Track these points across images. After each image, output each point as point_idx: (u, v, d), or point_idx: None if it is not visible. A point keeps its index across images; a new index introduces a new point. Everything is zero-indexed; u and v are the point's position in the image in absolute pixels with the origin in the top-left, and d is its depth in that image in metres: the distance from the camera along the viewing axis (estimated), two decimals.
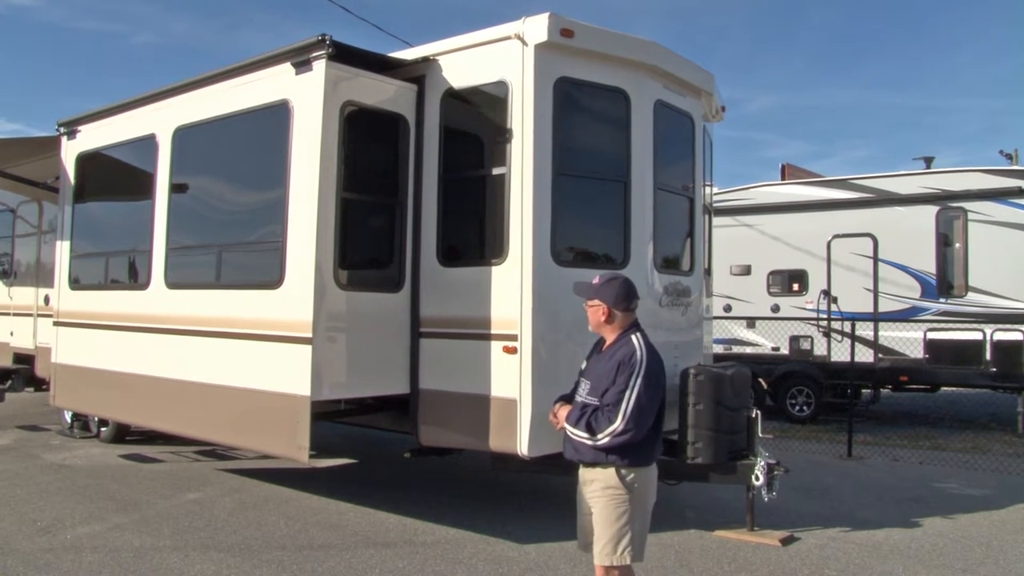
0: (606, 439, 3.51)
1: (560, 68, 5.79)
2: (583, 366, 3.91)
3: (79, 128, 8.56)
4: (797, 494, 7.40)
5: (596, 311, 3.79)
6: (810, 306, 12.91)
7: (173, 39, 57.33)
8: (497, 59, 5.85)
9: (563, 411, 3.77)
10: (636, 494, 3.60)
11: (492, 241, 5.89)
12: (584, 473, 3.73)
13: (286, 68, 5.97)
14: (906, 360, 11.85)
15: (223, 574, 5.15)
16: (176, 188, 7.20)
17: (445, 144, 6.17)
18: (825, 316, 12.67)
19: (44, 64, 55.75)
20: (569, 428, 3.67)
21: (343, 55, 5.76)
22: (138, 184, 7.67)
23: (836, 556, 5.68)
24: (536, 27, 5.67)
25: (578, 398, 3.76)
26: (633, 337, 3.70)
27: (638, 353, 3.61)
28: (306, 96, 5.80)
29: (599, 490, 3.62)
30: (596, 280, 3.84)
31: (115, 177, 8.44)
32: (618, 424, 3.49)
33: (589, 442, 3.56)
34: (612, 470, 3.58)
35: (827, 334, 12.65)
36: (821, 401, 12.70)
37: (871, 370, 12.16)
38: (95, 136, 8.36)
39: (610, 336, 3.78)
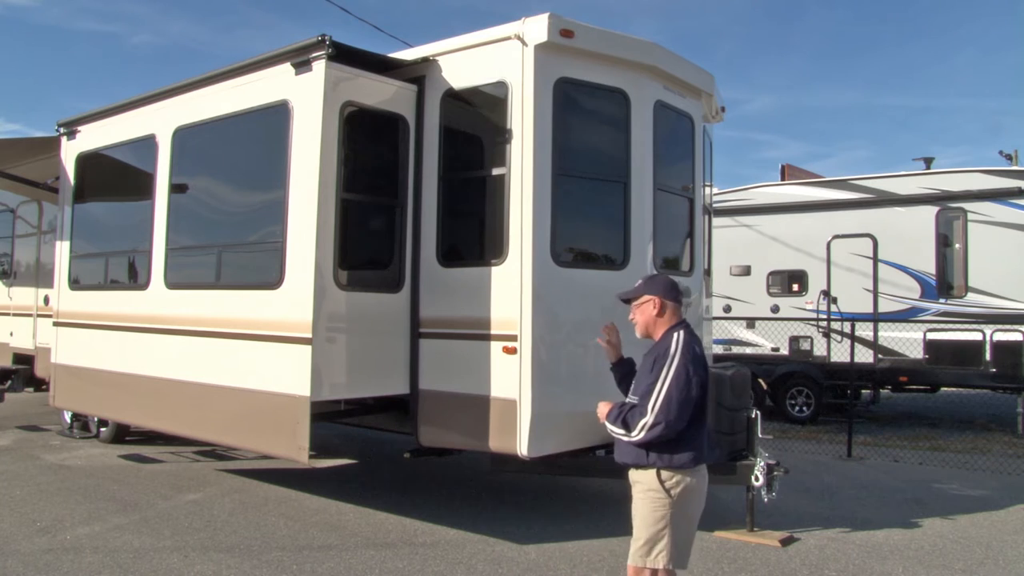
0: (640, 433, 3.49)
1: (560, 69, 5.79)
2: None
3: (79, 128, 8.56)
4: (797, 495, 7.40)
5: (647, 307, 3.77)
6: (810, 306, 12.92)
7: (171, 39, 57.41)
8: (497, 59, 5.85)
9: (603, 408, 3.77)
10: (677, 499, 3.54)
11: (492, 241, 5.89)
12: (631, 475, 3.74)
13: (286, 68, 5.97)
14: (906, 361, 11.86)
15: (223, 574, 5.15)
16: (176, 188, 7.20)
17: (445, 144, 6.17)
18: (825, 316, 12.67)
19: (43, 64, 55.78)
20: (608, 425, 3.68)
21: (343, 55, 5.76)
22: (138, 184, 7.67)
23: (836, 556, 5.68)
24: (536, 27, 5.67)
25: (629, 397, 3.78)
26: (674, 334, 3.67)
27: (673, 347, 3.59)
28: (306, 96, 5.80)
29: (642, 492, 3.63)
30: (635, 284, 3.89)
31: (115, 177, 8.44)
32: (648, 417, 3.47)
33: (626, 438, 3.57)
34: (653, 472, 3.56)
35: (827, 335, 12.65)
36: (821, 402, 12.70)
37: (871, 371, 12.16)
38: (95, 136, 8.36)
39: (658, 334, 3.76)
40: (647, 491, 3.58)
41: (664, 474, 3.54)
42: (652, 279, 3.88)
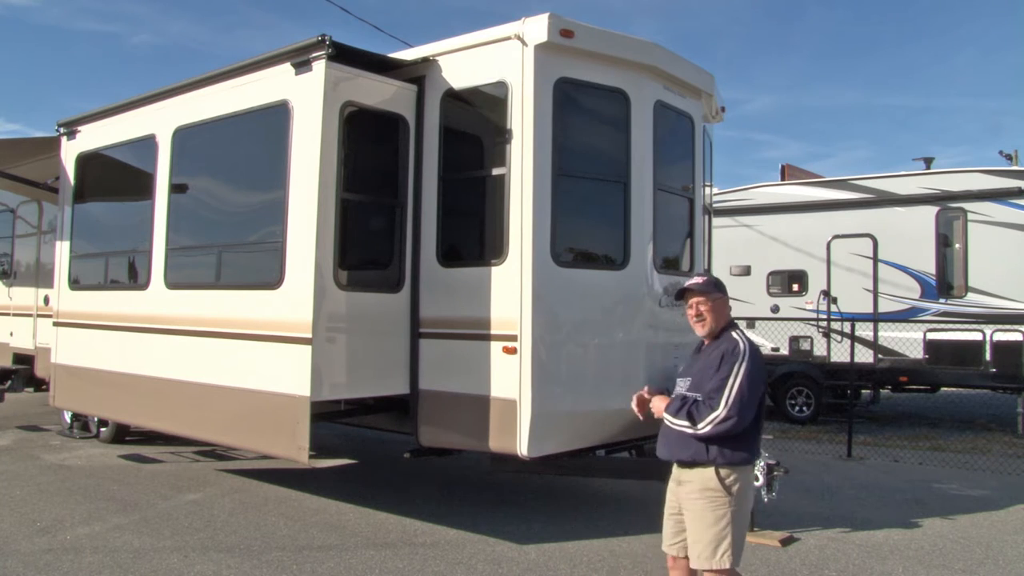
0: (708, 427, 3.50)
1: (560, 69, 5.79)
2: (681, 368, 3.94)
3: (79, 128, 8.56)
4: (797, 495, 7.40)
5: (722, 306, 3.81)
6: (810, 306, 12.92)
7: (171, 39, 57.42)
8: (497, 59, 5.85)
9: (660, 401, 3.76)
10: (735, 496, 3.55)
11: (492, 241, 5.89)
12: (680, 473, 3.71)
13: (286, 68, 5.97)
14: (906, 360, 11.86)
15: (223, 574, 5.15)
16: (176, 188, 7.20)
17: (445, 144, 6.17)
18: (825, 316, 12.67)
19: (43, 64, 55.78)
20: (669, 417, 3.65)
21: (343, 55, 5.76)
22: (138, 184, 7.67)
23: (836, 556, 5.68)
24: (536, 28, 5.67)
25: (680, 393, 3.76)
26: (734, 333, 3.74)
27: (741, 345, 3.64)
28: (306, 96, 5.80)
29: (696, 492, 3.60)
30: (700, 280, 3.84)
31: (115, 177, 8.44)
32: (720, 411, 3.48)
33: (690, 431, 3.55)
34: (711, 471, 3.56)
35: (827, 335, 12.65)
36: (821, 402, 12.70)
37: (871, 371, 12.16)
38: (95, 136, 8.36)
39: (716, 331, 3.79)
40: (703, 491, 3.57)
41: (723, 471, 3.55)
42: (715, 278, 3.90)
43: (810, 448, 10.13)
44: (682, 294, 3.87)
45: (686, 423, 3.56)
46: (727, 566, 3.51)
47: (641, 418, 3.87)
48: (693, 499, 3.60)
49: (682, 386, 3.76)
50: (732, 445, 3.55)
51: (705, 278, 3.86)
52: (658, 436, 3.85)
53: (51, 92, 56.16)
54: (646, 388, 3.93)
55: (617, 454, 6.59)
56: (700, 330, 3.83)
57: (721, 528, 3.52)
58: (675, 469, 3.75)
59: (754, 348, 3.66)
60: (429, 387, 6.13)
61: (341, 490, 7.34)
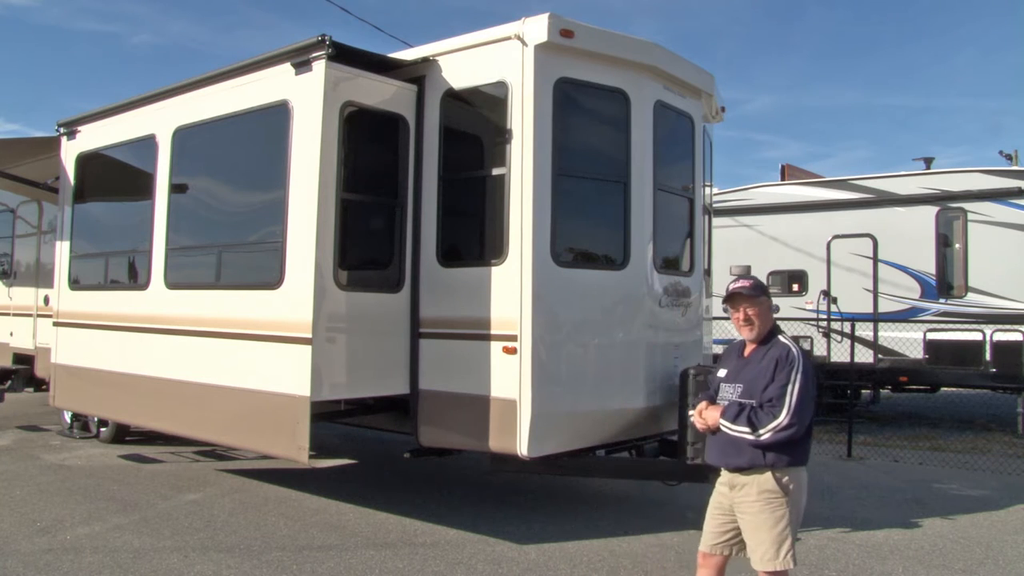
0: (768, 434, 3.53)
1: (560, 69, 5.79)
2: (721, 374, 3.92)
3: (79, 128, 8.56)
4: None
5: (767, 310, 3.84)
6: (810, 306, 12.91)
7: (171, 39, 57.42)
8: (497, 59, 5.85)
9: (714, 410, 3.76)
10: (792, 497, 3.60)
11: (492, 241, 5.89)
12: (732, 478, 3.73)
13: (286, 68, 5.97)
14: (906, 360, 11.85)
15: (223, 574, 5.15)
16: (176, 188, 7.20)
17: (445, 144, 6.17)
18: (825, 316, 12.67)
19: (43, 64, 55.79)
20: (727, 424, 3.66)
21: (343, 55, 5.76)
22: (138, 184, 7.67)
23: (836, 556, 5.68)
24: (536, 28, 5.67)
25: (730, 399, 3.76)
26: (782, 338, 3.78)
27: (794, 351, 3.69)
28: (306, 96, 5.80)
29: (753, 495, 3.63)
30: (747, 284, 3.83)
31: (115, 177, 8.44)
32: (783, 419, 3.52)
33: (751, 437, 3.56)
34: (768, 474, 3.60)
35: (827, 334, 12.65)
36: (821, 402, 12.69)
37: (871, 371, 12.16)
38: (95, 136, 8.36)
39: (760, 336, 3.81)
40: (761, 493, 3.61)
41: (779, 473, 3.60)
42: (760, 282, 3.92)
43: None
44: (731, 298, 3.87)
45: (746, 429, 3.58)
46: (791, 566, 3.58)
47: (702, 430, 3.85)
48: (750, 502, 3.63)
49: (730, 392, 3.78)
50: (788, 448, 3.60)
51: (752, 282, 3.86)
52: (708, 443, 3.89)
53: (51, 92, 56.21)
54: (704, 402, 3.91)
55: (617, 454, 6.58)
56: (748, 334, 3.84)
57: (781, 529, 3.57)
58: (725, 474, 3.79)
59: (804, 353, 3.72)
60: (429, 387, 6.13)
61: (341, 490, 7.34)
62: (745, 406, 3.63)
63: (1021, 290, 11.27)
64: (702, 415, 3.81)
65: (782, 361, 3.63)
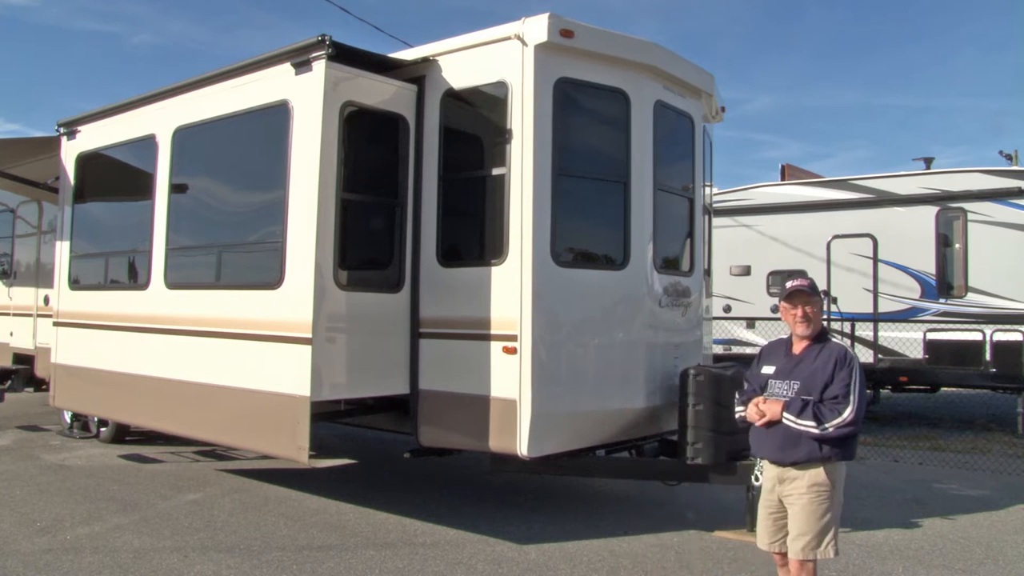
0: (833, 428, 3.74)
1: (560, 69, 5.79)
2: (768, 371, 4.08)
3: (79, 128, 8.56)
4: None
5: (821, 307, 4.08)
6: None
7: (171, 39, 57.41)
8: (497, 59, 5.85)
9: (774, 405, 3.90)
10: (836, 489, 3.87)
11: (492, 241, 5.89)
12: (783, 472, 3.92)
13: (286, 68, 5.97)
14: (906, 360, 11.85)
15: (223, 574, 5.15)
16: (176, 188, 7.20)
17: (445, 144, 6.17)
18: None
19: (43, 64, 55.81)
20: (791, 418, 3.81)
21: (343, 55, 5.76)
22: (138, 184, 7.67)
23: (836, 556, 5.66)
24: (536, 27, 5.67)
25: (784, 394, 3.91)
26: (832, 337, 4.06)
27: (850, 351, 3.96)
28: (306, 96, 5.80)
29: (804, 487, 3.84)
30: (806, 283, 4.02)
31: (115, 177, 8.44)
32: (848, 415, 3.73)
33: (816, 431, 3.74)
34: (820, 468, 3.82)
35: None
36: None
37: (871, 371, 12.14)
38: (95, 136, 8.36)
39: (815, 332, 4.00)
40: (811, 486, 3.82)
41: (829, 467, 3.83)
42: (814, 281, 4.11)
43: None
44: (791, 296, 4.03)
45: (812, 423, 3.76)
46: (832, 555, 3.84)
47: (759, 423, 3.97)
48: (800, 494, 3.84)
49: (784, 388, 3.93)
50: (843, 443, 3.83)
51: (809, 282, 4.07)
52: (758, 438, 4.02)
53: (51, 92, 56.22)
54: (759, 397, 4.04)
55: (617, 454, 6.58)
56: (803, 330, 4.01)
57: (827, 521, 3.84)
58: (773, 468, 3.97)
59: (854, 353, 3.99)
60: (429, 387, 6.13)
61: (341, 490, 7.34)
62: (809, 401, 3.80)
63: (1021, 290, 11.27)
64: (759, 408, 3.94)
65: (841, 360, 3.83)
